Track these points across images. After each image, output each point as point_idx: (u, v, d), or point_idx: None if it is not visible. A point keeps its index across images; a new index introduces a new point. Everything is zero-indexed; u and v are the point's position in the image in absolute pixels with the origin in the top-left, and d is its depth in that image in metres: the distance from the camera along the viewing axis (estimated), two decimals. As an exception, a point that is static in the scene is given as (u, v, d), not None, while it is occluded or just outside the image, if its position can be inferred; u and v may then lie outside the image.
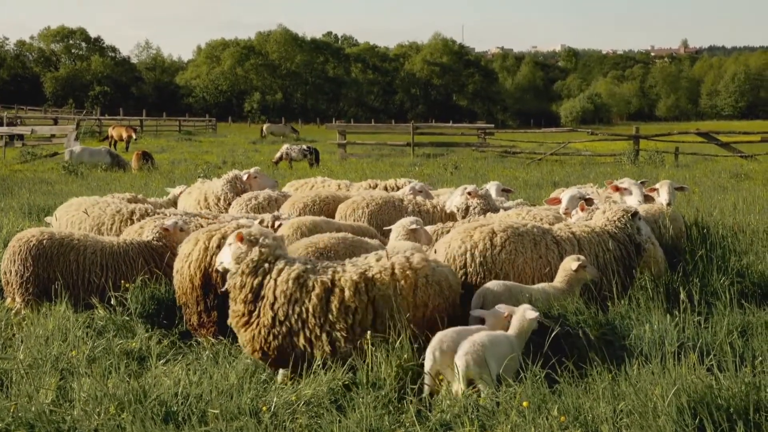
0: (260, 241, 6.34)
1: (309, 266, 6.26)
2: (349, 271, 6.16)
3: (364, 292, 6.03)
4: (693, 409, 4.70)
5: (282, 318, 6.06)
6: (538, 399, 5.10)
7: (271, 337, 6.08)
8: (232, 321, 6.26)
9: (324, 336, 5.98)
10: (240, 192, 11.56)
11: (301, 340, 6.02)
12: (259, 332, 6.11)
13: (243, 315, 6.19)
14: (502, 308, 6.07)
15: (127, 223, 9.23)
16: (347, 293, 6.00)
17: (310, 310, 6.01)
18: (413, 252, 6.50)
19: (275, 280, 6.14)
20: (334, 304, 6.00)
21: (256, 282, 6.18)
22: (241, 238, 6.31)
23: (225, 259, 6.36)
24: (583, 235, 7.53)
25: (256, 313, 6.15)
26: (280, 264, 6.22)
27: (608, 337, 6.12)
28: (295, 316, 6.04)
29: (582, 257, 7.00)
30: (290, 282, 6.11)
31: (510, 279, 7.00)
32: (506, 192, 11.42)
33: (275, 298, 6.10)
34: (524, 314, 5.89)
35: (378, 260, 6.29)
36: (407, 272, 6.12)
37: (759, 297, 7.44)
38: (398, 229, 8.27)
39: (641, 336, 5.93)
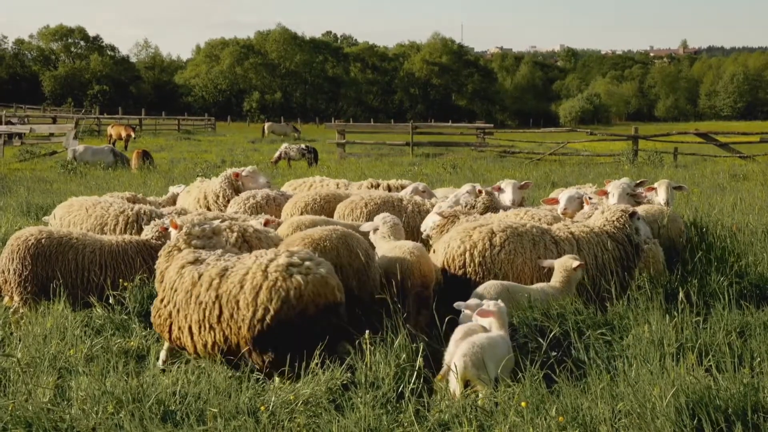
0: (183, 230, 6.48)
1: (202, 257, 6.27)
2: (215, 266, 6.09)
3: (214, 288, 5.93)
4: (691, 409, 4.70)
5: (166, 303, 6.18)
6: (536, 399, 5.09)
7: (161, 321, 6.24)
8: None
9: (187, 328, 6.02)
10: (237, 189, 11.52)
11: (176, 329, 6.10)
12: (158, 320, 6.31)
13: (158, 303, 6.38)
14: (468, 313, 6.04)
15: (133, 225, 9.17)
16: (203, 287, 5.96)
17: (181, 300, 6.06)
18: (282, 253, 6.10)
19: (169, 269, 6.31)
20: (193, 296, 5.99)
21: (162, 269, 6.42)
22: (175, 226, 6.43)
23: None
24: (582, 236, 7.53)
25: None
26: (180, 254, 6.34)
27: (607, 337, 6.11)
28: (172, 303, 6.11)
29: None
30: (173, 271, 6.22)
31: (509, 279, 7.00)
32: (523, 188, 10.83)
33: (165, 284, 6.24)
34: (502, 309, 5.86)
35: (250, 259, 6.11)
36: (258, 276, 5.87)
37: (757, 298, 7.44)
38: (386, 227, 8.08)
39: (640, 336, 5.92)
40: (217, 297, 5.86)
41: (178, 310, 6.07)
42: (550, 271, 7.11)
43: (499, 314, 5.79)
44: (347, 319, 6.07)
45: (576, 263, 6.87)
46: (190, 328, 5.99)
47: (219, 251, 6.40)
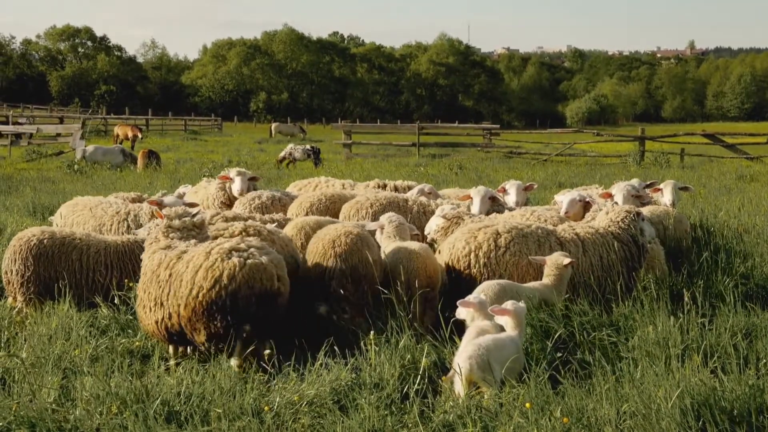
0: (164, 221, 6.64)
1: (174, 245, 6.42)
2: (178, 249, 6.32)
3: (170, 267, 6.16)
4: (696, 411, 4.68)
5: (142, 286, 6.33)
6: (541, 400, 5.08)
7: (139, 311, 6.39)
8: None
9: (148, 308, 6.22)
10: (228, 191, 11.42)
11: (147, 308, 6.25)
12: (138, 311, 6.46)
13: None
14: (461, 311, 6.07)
15: (124, 224, 9.29)
16: (162, 267, 6.19)
17: (147, 280, 6.26)
18: (233, 240, 6.27)
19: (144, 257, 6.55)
20: (156, 275, 6.21)
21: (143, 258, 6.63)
22: (161, 216, 6.58)
23: None
24: (587, 236, 7.51)
25: None
26: (158, 244, 6.50)
27: (612, 338, 6.10)
28: (144, 288, 6.30)
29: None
30: (146, 258, 6.46)
31: (514, 280, 6.97)
32: (528, 190, 10.88)
33: (141, 272, 6.47)
34: (518, 309, 5.82)
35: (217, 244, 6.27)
36: (200, 257, 6.03)
37: (763, 299, 7.42)
38: (391, 228, 8.04)
39: (645, 337, 5.91)
40: (170, 276, 6.11)
41: (144, 291, 6.30)
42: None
43: (516, 314, 5.76)
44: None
45: (567, 260, 6.86)
46: (150, 307, 6.21)
47: (193, 241, 6.52)
